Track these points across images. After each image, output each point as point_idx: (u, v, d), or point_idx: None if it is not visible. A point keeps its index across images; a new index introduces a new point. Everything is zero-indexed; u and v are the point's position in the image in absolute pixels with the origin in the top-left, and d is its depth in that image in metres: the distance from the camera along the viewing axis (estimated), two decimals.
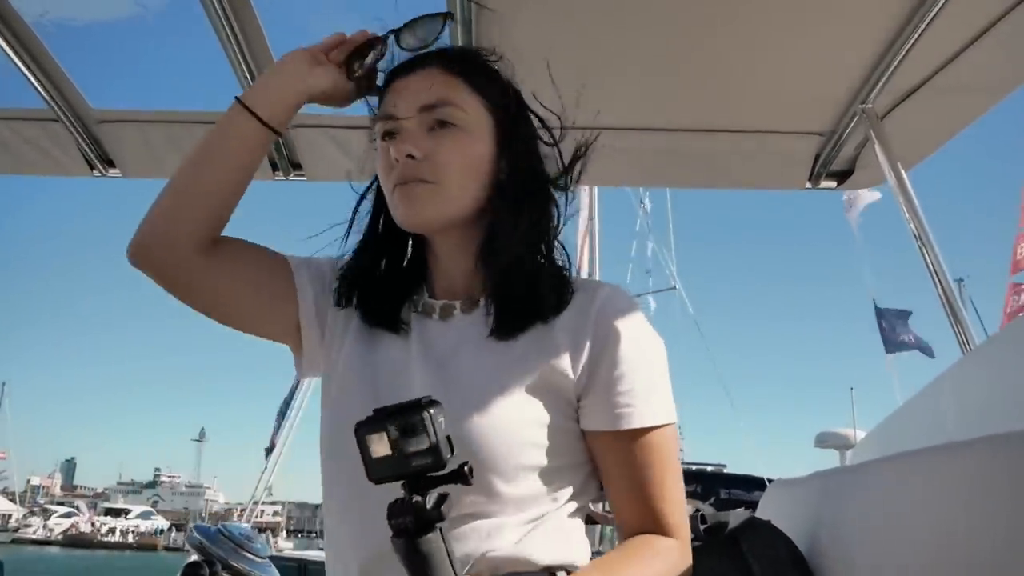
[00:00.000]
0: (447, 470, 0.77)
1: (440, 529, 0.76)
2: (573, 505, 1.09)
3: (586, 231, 15.83)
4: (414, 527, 0.75)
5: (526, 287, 1.08)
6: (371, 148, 2.27)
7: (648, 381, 1.06)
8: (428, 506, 0.76)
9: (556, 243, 1.15)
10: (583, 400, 1.07)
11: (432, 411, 0.77)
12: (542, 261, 1.11)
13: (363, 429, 0.78)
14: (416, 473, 0.76)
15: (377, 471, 0.78)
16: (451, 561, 0.77)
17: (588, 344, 1.05)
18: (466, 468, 0.77)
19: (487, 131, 1.11)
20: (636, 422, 1.04)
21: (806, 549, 1.53)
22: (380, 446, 0.76)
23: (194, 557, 1.48)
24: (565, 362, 1.05)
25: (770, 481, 2.25)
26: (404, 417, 0.77)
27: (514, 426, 1.02)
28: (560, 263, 1.14)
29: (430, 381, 1.06)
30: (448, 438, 0.77)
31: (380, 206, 1.19)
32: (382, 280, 1.18)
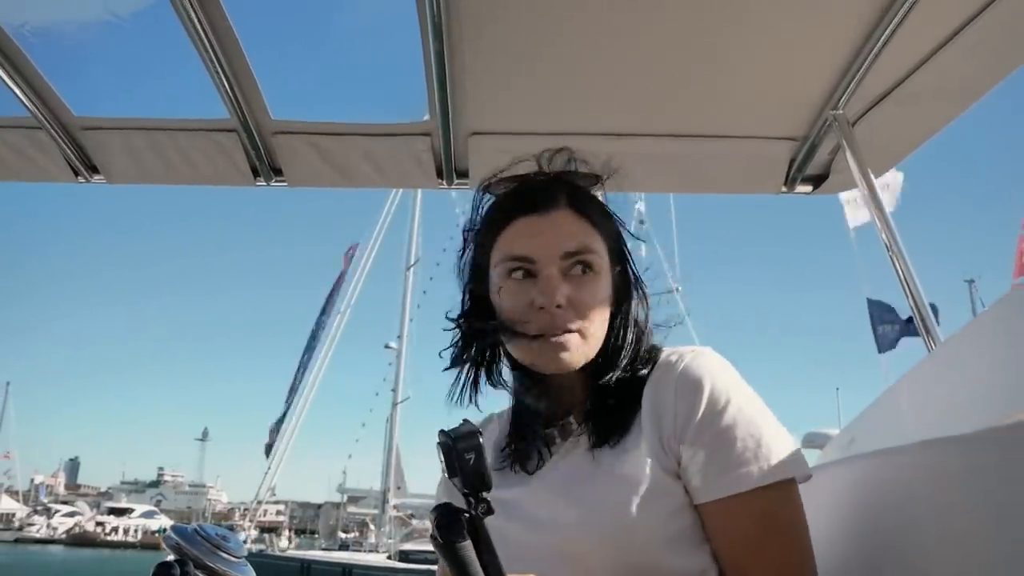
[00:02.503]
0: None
1: (478, 543, 0.82)
2: None
3: None
4: (439, 535, 0.82)
5: (622, 395, 1.08)
6: (349, 153, 2.31)
7: (742, 441, 0.97)
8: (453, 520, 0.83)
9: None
10: (682, 472, 1.01)
11: (459, 445, 0.85)
12: (638, 362, 1.12)
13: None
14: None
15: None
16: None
17: (672, 416, 1.01)
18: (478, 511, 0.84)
19: (609, 271, 1.13)
20: (730, 487, 0.97)
21: None
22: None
23: (169, 557, 1.49)
24: (656, 443, 1.01)
25: None
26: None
27: (639, 526, 0.97)
28: (646, 347, 1.14)
29: (550, 512, 1.05)
30: (478, 472, 0.84)
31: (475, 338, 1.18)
32: (519, 408, 1.19)
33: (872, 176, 2.17)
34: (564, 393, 1.14)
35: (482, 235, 1.16)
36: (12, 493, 74.95)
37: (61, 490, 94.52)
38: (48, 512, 68.44)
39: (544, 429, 1.14)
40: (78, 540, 61.72)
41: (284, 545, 33.28)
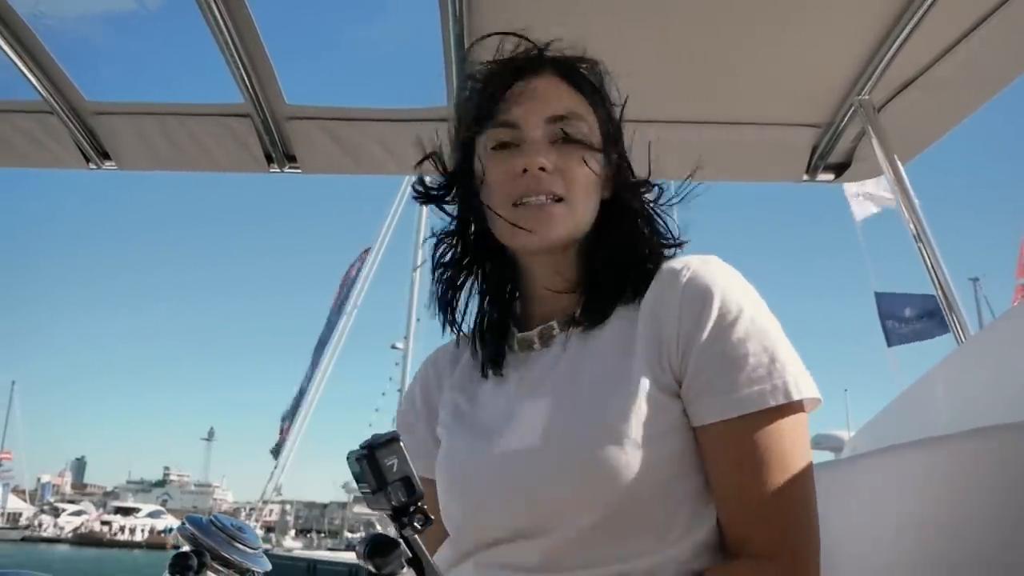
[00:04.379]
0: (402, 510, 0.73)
1: (420, 568, 0.71)
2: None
3: None
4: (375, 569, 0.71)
5: (613, 276, 1.01)
6: (364, 140, 2.28)
7: (755, 357, 0.87)
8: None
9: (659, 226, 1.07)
10: (684, 391, 0.91)
11: (377, 453, 0.73)
12: (639, 256, 1.03)
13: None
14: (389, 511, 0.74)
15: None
16: None
17: (676, 327, 0.91)
18: (406, 520, 0.72)
19: (601, 147, 1.06)
20: (738, 407, 0.86)
21: None
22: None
23: (185, 548, 1.47)
24: (653, 355, 0.92)
25: None
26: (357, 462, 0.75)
27: (605, 434, 0.88)
28: (658, 250, 1.05)
29: (533, 415, 0.96)
30: (405, 479, 0.72)
31: (468, 227, 1.12)
32: (484, 316, 1.11)
33: (899, 162, 2.13)
34: (556, 285, 1.05)
35: (466, 116, 1.10)
36: (19, 492, 75.12)
37: (68, 489, 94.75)
38: (55, 511, 68.62)
39: (521, 332, 1.07)
40: (84, 539, 61.84)
41: (289, 544, 33.30)
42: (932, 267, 2.07)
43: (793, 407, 0.87)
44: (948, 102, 2.18)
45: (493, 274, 1.12)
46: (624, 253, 1.03)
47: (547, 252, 1.04)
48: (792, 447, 0.87)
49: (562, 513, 0.88)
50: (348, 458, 0.76)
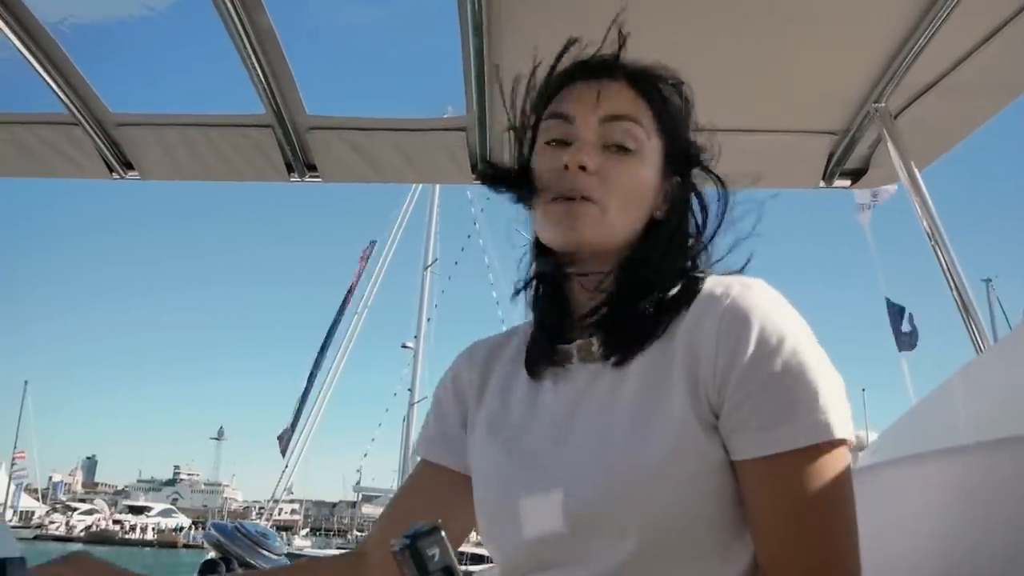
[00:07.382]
0: None
1: None
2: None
3: None
4: None
5: (645, 305, 0.95)
6: (384, 149, 2.30)
7: (798, 390, 0.83)
8: None
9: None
10: (721, 423, 0.87)
11: (419, 544, 0.75)
12: (679, 278, 0.97)
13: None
14: None
15: None
16: None
17: (713, 356, 0.87)
18: None
19: (657, 159, 1.02)
20: (780, 443, 0.83)
21: None
22: None
23: (212, 554, 1.51)
24: (691, 385, 0.88)
25: None
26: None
27: (646, 472, 0.86)
28: (700, 271, 1.00)
29: (571, 445, 0.95)
30: (447, 569, 0.75)
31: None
32: (538, 316, 1.08)
33: (915, 169, 2.14)
34: (587, 299, 1.02)
35: (534, 107, 1.08)
36: (31, 491, 75.48)
37: (79, 488, 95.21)
38: (67, 510, 68.97)
39: (560, 344, 1.02)
40: (96, 538, 62.03)
41: (300, 543, 33.39)
42: (950, 274, 2.07)
43: (834, 444, 0.84)
44: (965, 108, 2.19)
45: (546, 275, 1.08)
46: (661, 275, 0.98)
47: (581, 259, 1.01)
48: (833, 486, 0.83)
49: (599, 549, 0.88)
50: (391, 548, 0.77)
